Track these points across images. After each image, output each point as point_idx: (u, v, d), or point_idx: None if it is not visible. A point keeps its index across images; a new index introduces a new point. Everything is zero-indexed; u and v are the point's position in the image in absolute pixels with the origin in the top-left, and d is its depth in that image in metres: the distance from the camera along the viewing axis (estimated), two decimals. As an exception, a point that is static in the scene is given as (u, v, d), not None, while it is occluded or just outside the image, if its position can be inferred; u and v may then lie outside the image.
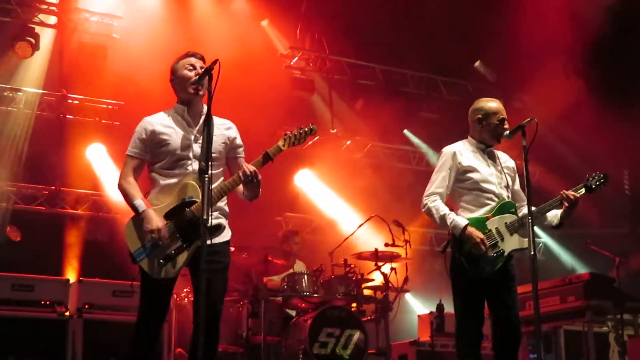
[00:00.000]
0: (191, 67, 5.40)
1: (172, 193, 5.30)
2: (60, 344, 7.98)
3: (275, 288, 9.13)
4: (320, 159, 13.76)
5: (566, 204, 6.01)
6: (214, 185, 5.18)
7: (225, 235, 5.45)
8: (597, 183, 6.15)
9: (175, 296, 9.00)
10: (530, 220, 5.59)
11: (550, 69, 12.71)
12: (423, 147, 14.55)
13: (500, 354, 6.03)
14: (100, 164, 11.95)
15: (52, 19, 11.85)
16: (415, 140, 14.62)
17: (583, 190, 6.12)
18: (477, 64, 14.57)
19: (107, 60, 11.73)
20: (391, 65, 14.11)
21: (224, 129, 5.52)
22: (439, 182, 6.15)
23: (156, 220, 5.17)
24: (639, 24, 12.23)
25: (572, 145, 13.95)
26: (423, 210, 6.17)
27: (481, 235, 5.91)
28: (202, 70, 5.30)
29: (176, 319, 9.01)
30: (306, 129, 5.53)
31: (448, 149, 6.25)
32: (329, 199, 13.82)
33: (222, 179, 5.44)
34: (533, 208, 5.95)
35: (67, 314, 8.13)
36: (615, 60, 12.58)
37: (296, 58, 13.45)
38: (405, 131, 14.57)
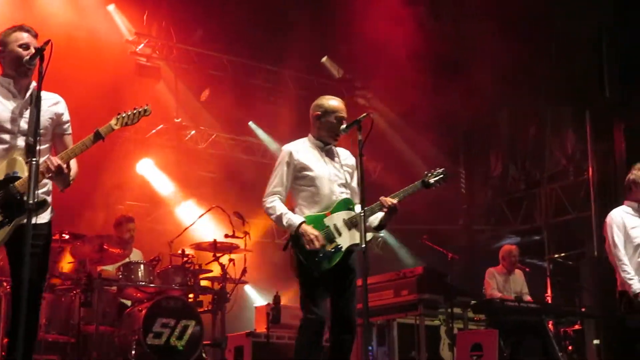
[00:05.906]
0: (25, 46, 5.21)
1: None
2: None
3: (109, 277, 8.95)
4: (163, 147, 13.66)
5: (384, 209, 6.12)
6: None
7: (46, 217, 5.29)
8: (436, 178, 6.27)
9: (5, 284, 8.69)
10: (362, 215, 5.65)
11: (393, 67, 13.01)
12: (267, 140, 14.60)
13: (335, 346, 6.09)
14: None
15: None
16: (259, 132, 14.67)
17: (419, 186, 6.24)
18: (324, 59, 14.74)
19: None
20: (240, 57, 14.11)
21: (52, 104, 5.35)
22: (277, 181, 6.19)
23: None
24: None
25: (410, 142, 14.38)
26: (265, 210, 6.20)
27: (315, 232, 5.96)
28: (35, 50, 5.12)
29: (5, 309, 8.68)
30: (140, 110, 5.49)
31: (285, 148, 6.28)
32: (170, 189, 13.68)
33: (48, 154, 5.26)
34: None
35: None
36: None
37: (142, 44, 13.27)
38: (250, 123, 14.62)
